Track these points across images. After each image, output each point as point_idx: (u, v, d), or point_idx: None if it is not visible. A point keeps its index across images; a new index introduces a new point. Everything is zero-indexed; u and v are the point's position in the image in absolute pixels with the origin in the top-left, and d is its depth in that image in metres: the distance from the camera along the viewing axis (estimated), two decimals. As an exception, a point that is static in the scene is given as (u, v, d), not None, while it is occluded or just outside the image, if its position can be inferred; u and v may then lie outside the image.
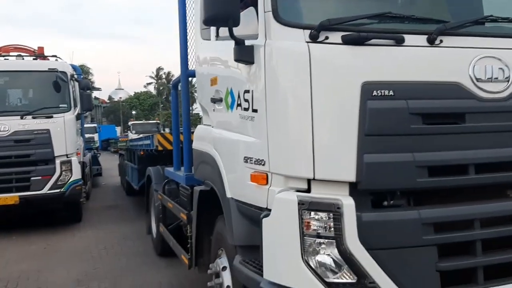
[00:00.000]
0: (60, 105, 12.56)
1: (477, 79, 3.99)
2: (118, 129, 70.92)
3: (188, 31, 6.90)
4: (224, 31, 4.80)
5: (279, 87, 4.04)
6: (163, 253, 9.45)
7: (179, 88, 7.73)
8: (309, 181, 3.90)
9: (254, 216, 4.37)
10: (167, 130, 19.03)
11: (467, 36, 4.12)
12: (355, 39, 3.81)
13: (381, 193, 3.87)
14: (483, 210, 4.00)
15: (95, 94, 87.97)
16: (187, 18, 6.86)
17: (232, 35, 4.19)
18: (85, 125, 24.43)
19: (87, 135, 28.81)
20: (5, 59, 13.82)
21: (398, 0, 4.76)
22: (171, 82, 9.79)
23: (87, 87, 14.46)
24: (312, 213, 3.79)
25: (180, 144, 7.80)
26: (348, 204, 3.71)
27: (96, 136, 44.93)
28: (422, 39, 3.98)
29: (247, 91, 4.49)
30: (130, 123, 60.45)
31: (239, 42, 4.32)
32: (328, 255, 3.77)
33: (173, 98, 8.82)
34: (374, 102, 3.76)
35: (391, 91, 3.79)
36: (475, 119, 4.00)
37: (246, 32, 4.36)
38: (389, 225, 3.76)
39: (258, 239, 4.20)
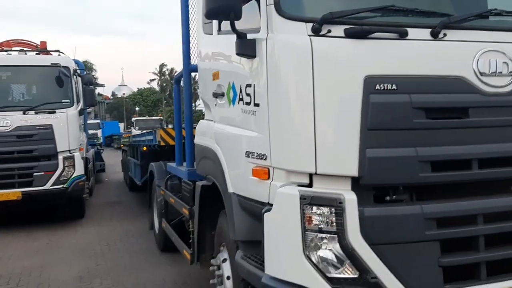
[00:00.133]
0: (63, 100, 12.54)
1: (481, 73, 3.96)
2: (122, 125, 71.06)
3: (190, 25, 6.89)
4: (226, 25, 4.77)
5: (281, 81, 4.02)
6: (165, 249, 9.45)
7: (182, 83, 7.69)
8: (311, 175, 3.87)
9: (256, 211, 4.35)
10: (170, 126, 19.06)
11: (471, 30, 4.08)
12: (358, 33, 3.78)
13: (384, 188, 3.85)
14: (486, 205, 3.98)
15: (98, 90, 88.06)
16: (189, 12, 6.85)
17: (233, 29, 4.17)
18: (89, 121, 24.41)
19: (90, 131, 28.86)
20: (7, 53, 13.78)
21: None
22: (174, 77, 9.76)
23: (90, 82, 14.37)
24: (314, 207, 3.77)
25: (182, 139, 7.81)
26: (350, 199, 3.69)
27: (99, 132, 45.02)
28: (425, 33, 3.95)
29: (249, 85, 4.47)
30: (133, 119, 60.38)
31: (241, 36, 4.30)
32: (330, 250, 3.75)
33: (175, 93, 8.81)
34: (377, 96, 3.73)
35: (394, 85, 3.76)
36: (478, 113, 3.97)
37: (248, 25, 4.35)
38: (391, 220, 3.73)
39: (259, 234, 4.19)
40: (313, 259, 3.77)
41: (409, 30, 3.89)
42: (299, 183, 3.93)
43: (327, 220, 3.74)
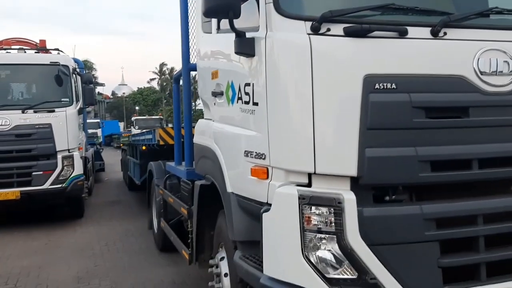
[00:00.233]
0: (62, 99, 12.47)
1: (481, 72, 3.93)
2: (121, 125, 71.07)
3: (189, 24, 6.87)
4: (225, 23, 4.75)
5: (280, 80, 3.99)
6: (164, 248, 9.43)
7: (181, 82, 7.67)
8: (310, 175, 3.85)
9: (255, 211, 4.33)
10: (170, 125, 19.01)
11: (472, 29, 4.05)
12: (358, 31, 3.76)
13: (383, 188, 3.83)
14: (486, 205, 3.95)
15: (98, 89, 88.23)
16: (189, 11, 6.83)
17: (232, 27, 4.15)
18: (88, 121, 24.41)
19: (90, 131, 28.85)
20: (7, 52, 13.74)
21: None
22: (173, 76, 9.75)
23: (89, 81, 14.29)
24: (313, 207, 3.75)
25: (181, 138, 7.78)
26: (349, 199, 3.67)
27: (99, 132, 45.07)
28: (425, 31, 3.92)
29: (247, 84, 4.45)
30: (133, 118, 60.45)
31: (239, 34, 4.28)
32: (329, 250, 3.73)
33: (175, 93, 8.80)
34: (376, 95, 3.70)
35: (393, 84, 3.73)
36: (479, 113, 3.94)
37: (247, 24, 4.33)
38: (390, 221, 3.71)
39: (258, 234, 4.16)
40: (311, 259, 3.75)
41: (409, 28, 3.86)
42: (298, 183, 3.90)
43: (326, 220, 3.72)
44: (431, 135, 3.82)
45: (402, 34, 3.84)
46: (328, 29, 3.79)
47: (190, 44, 6.92)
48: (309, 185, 3.86)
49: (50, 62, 12.49)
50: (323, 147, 3.76)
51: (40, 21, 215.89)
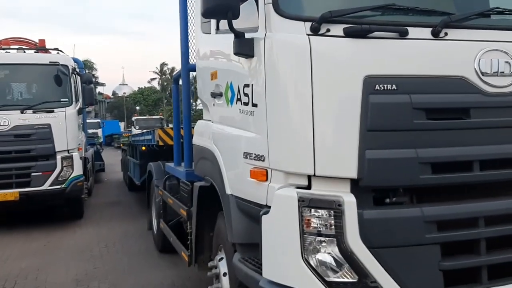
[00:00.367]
0: (62, 99, 12.40)
1: (483, 73, 3.91)
2: (122, 125, 71.10)
3: (189, 24, 6.84)
4: (224, 24, 4.75)
5: (279, 81, 3.96)
6: (163, 249, 9.40)
7: (181, 82, 7.64)
8: (309, 177, 3.82)
9: (254, 213, 4.30)
10: (170, 125, 19.03)
11: (473, 29, 4.03)
12: (358, 32, 3.73)
13: (383, 190, 3.80)
14: (487, 208, 3.93)
15: (99, 89, 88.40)
16: (188, 11, 6.79)
17: (231, 28, 4.12)
18: (89, 120, 24.39)
19: (90, 131, 28.81)
20: (6, 52, 13.69)
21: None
22: (172, 77, 9.73)
23: (89, 81, 14.22)
24: (313, 210, 3.72)
25: (181, 139, 7.75)
26: (349, 201, 3.64)
27: (99, 132, 45.10)
28: (426, 32, 3.90)
29: (247, 85, 4.42)
30: (133, 118, 60.44)
31: (238, 35, 4.25)
32: (329, 253, 3.70)
33: (174, 93, 8.76)
34: (377, 97, 3.68)
35: (394, 85, 3.71)
36: (480, 114, 3.92)
37: (246, 24, 4.31)
38: (391, 223, 3.68)
39: (257, 236, 4.14)
40: (311, 262, 3.72)
41: (410, 29, 3.84)
42: (297, 185, 3.87)
43: (325, 223, 3.69)
44: (431, 136, 3.79)
45: (403, 35, 3.82)
46: (328, 30, 3.76)
47: (189, 44, 6.89)
48: (308, 187, 3.83)
49: (50, 62, 12.42)
50: (323, 149, 3.73)
51: (40, 20, 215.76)
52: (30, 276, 8.47)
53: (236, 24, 4.12)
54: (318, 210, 3.70)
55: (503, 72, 3.94)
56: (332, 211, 3.65)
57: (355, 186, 3.71)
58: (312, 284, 3.71)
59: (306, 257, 3.72)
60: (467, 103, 3.90)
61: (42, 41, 14.80)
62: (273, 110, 4.00)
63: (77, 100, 13.11)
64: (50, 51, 14.18)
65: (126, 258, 9.38)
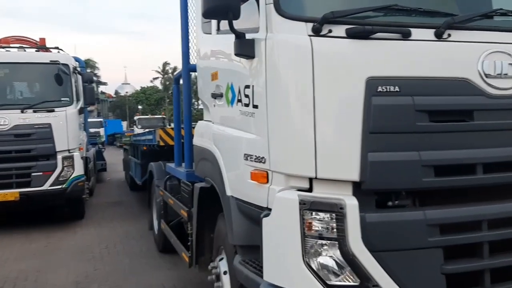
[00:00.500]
0: (62, 99, 12.32)
1: (486, 75, 3.87)
2: (124, 124, 71.14)
3: (189, 24, 6.81)
4: (225, 24, 4.70)
5: (280, 82, 3.92)
6: (164, 250, 9.38)
7: (181, 82, 7.61)
8: (311, 180, 3.79)
9: (254, 215, 4.27)
10: (172, 125, 19.01)
11: (476, 30, 3.99)
12: (360, 33, 3.69)
13: (386, 193, 3.76)
14: (491, 211, 3.89)
15: (101, 88, 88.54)
16: (189, 11, 6.77)
17: (232, 28, 4.09)
18: (91, 120, 24.36)
19: (93, 130, 28.77)
20: (6, 50, 13.64)
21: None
22: (173, 77, 9.71)
23: (90, 80, 14.09)
24: (314, 213, 3.68)
25: (181, 139, 7.71)
26: (351, 204, 3.60)
27: (102, 131, 45.20)
28: (429, 33, 3.86)
29: (247, 86, 4.38)
30: (136, 117, 60.49)
31: (239, 36, 4.21)
32: (330, 257, 3.66)
33: (175, 93, 8.72)
34: (379, 99, 3.64)
35: (396, 87, 3.67)
36: (483, 116, 3.88)
37: (246, 25, 4.27)
38: (393, 226, 3.65)
39: (258, 239, 4.10)
40: (313, 266, 3.68)
41: (412, 30, 3.79)
42: (298, 188, 3.84)
43: (327, 226, 3.65)
44: (434, 139, 3.76)
45: (405, 36, 3.78)
46: (330, 31, 3.73)
47: (190, 44, 6.87)
48: (310, 190, 3.80)
49: (50, 61, 12.35)
50: (324, 151, 3.69)
51: (41, 20, 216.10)
52: (29, 278, 8.41)
53: (237, 24, 4.09)
54: (320, 213, 3.66)
55: (506, 74, 3.90)
56: (333, 214, 3.62)
57: (357, 189, 3.68)
58: (313, 287, 3.67)
59: (307, 260, 3.69)
60: (470, 105, 3.86)
61: (43, 40, 14.70)
62: (274, 111, 3.97)
63: (78, 100, 13.02)
64: (51, 50, 14.09)
65: (127, 259, 9.33)
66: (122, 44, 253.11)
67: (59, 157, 11.93)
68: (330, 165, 3.70)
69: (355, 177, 3.64)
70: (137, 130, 40.92)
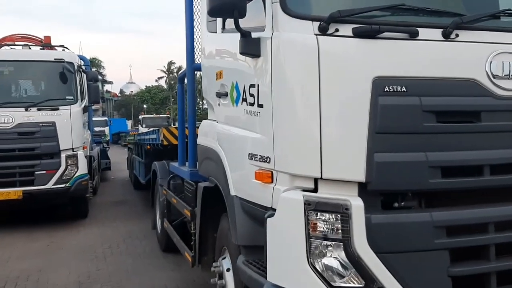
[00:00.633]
0: (67, 97, 12.27)
1: (494, 76, 3.84)
2: (129, 123, 71.25)
3: (194, 23, 6.81)
4: (230, 23, 4.72)
5: (286, 82, 3.89)
6: (167, 249, 9.35)
7: (186, 81, 7.59)
8: (316, 180, 3.76)
9: (259, 215, 4.25)
10: (176, 124, 18.96)
11: (484, 31, 3.96)
12: (367, 32, 3.66)
13: (392, 194, 3.74)
14: (497, 213, 3.86)
15: (106, 87, 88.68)
16: (194, 10, 6.76)
17: (237, 27, 4.07)
18: (96, 118, 24.35)
19: (98, 129, 28.75)
20: (11, 48, 13.61)
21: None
22: (177, 76, 9.68)
23: (95, 78, 14.07)
24: (319, 214, 3.65)
25: (185, 138, 7.71)
26: (356, 205, 3.57)
27: (107, 130, 45.30)
28: (437, 33, 3.83)
29: (252, 86, 4.36)
30: (140, 116, 60.69)
31: (245, 34, 4.19)
32: (335, 258, 3.63)
33: (179, 92, 8.68)
34: (386, 98, 3.61)
35: (403, 87, 3.64)
36: (491, 117, 3.85)
37: (252, 24, 4.25)
38: (399, 228, 3.61)
39: (262, 239, 4.08)
40: (317, 267, 3.65)
41: (420, 30, 3.76)
42: (303, 188, 3.81)
43: (332, 227, 3.62)
44: (441, 140, 3.73)
45: (413, 36, 3.75)
46: (337, 30, 3.70)
47: (195, 43, 6.86)
48: (315, 190, 3.77)
49: (55, 59, 12.28)
50: (330, 151, 3.66)
51: (47, 19, 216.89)
52: (31, 278, 8.34)
53: (243, 23, 4.07)
54: (325, 214, 3.63)
55: None
56: (339, 215, 3.59)
57: (363, 189, 3.65)
58: None
59: (312, 261, 3.66)
60: (477, 106, 3.83)
61: (48, 38, 14.67)
62: (279, 111, 3.94)
63: (82, 98, 13.01)
64: (56, 48, 14.07)
65: (130, 260, 9.27)
66: (127, 43, 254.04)
67: (63, 155, 11.87)
68: (336, 165, 3.67)
69: (361, 177, 3.61)
70: (142, 129, 41.03)
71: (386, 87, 3.61)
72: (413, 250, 3.62)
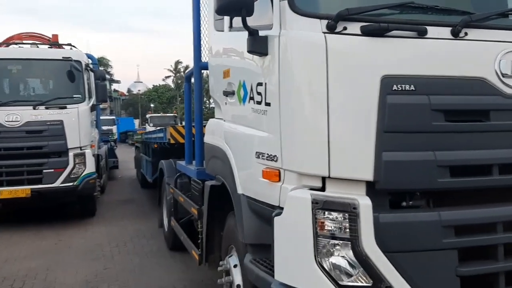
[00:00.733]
0: (74, 96, 12.26)
1: (503, 75, 3.82)
2: (136, 122, 71.37)
3: (201, 22, 6.81)
4: (237, 21, 4.70)
5: (293, 80, 3.88)
6: (174, 247, 9.37)
7: (193, 80, 7.59)
8: (323, 179, 3.75)
9: (266, 214, 4.24)
10: (183, 123, 18.90)
11: (493, 29, 3.93)
12: (375, 30, 3.65)
13: (400, 193, 3.72)
14: (506, 213, 3.82)
15: (114, 86, 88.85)
16: (201, 9, 6.75)
17: (245, 25, 4.06)
18: (104, 117, 24.35)
19: (105, 127, 28.77)
20: (19, 47, 13.61)
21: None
22: (184, 75, 9.69)
23: (102, 77, 14.07)
24: (327, 213, 3.64)
25: (192, 137, 7.72)
26: (364, 204, 3.55)
27: (114, 128, 45.41)
28: (446, 31, 3.81)
29: (260, 84, 4.34)
30: (148, 115, 60.77)
31: (252, 33, 4.18)
32: (343, 257, 3.62)
33: (186, 91, 8.68)
34: (394, 97, 3.60)
35: (412, 85, 3.62)
36: (500, 116, 3.82)
37: (260, 22, 4.24)
38: (407, 227, 3.59)
39: (269, 237, 4.07)
40: (325, 266, 3.64)
41: (429, 28, 3.75)
42: (311, 187, 3.80)
43: (340, 226, 3.61)
44: (450, 139, 3.71)
45: (421, 34, 3.73)
46: (345, 28, 3.68)
47: (202, 42, 6.87)
48: (322, 189, 3.75)
49: (62, 57, 12.27)
50: (338, 150, 3.65)
51: (55, 18, 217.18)
52: (39, 276, 8.33)
53: (250, 21, 4.06)
54: (332, 213, 3.62)
55: None
56: (346, 214, 3.57)
57: (371, 188, 3.63)
58: (325, 287, 3.62)
59: (319, 260, 3.65)
60: (487, 105, 3.81)
61: (56, 36, 14.71)
62: (287, 109, 3.93)
63: (90, 97, 13.00)
64: (64, 46, 14.08)
65: (137, 259, 9.24)
66: (135, 43, 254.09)
67: (71, 154, 11.87)
68: (344, 164, 3.66)
69: (369, 176, 3.59)
70: (149, 128, 41.06)
71: (395, 85, 3.59)
72: (421, 250, 3.60)
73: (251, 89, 4.53)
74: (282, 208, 3.94)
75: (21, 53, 12.93)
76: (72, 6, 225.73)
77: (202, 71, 7.08)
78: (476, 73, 3.80)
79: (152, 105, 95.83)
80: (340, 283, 3.61)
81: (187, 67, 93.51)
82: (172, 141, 10.30)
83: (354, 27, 3.67)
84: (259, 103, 4.36)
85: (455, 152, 3.70)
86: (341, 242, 3.61)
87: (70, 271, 8.61)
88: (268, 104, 4.19)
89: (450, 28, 3.80)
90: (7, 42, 14.42)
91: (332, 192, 3.70)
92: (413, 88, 3.62)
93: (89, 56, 14.73)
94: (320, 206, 3.63)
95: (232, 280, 5.25)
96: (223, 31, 5.52)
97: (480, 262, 3.77)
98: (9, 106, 11.69)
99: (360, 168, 3.61)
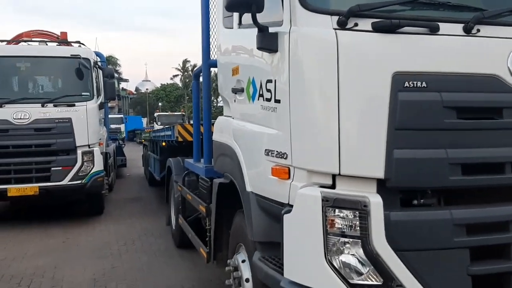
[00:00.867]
0: (83, 93, 12.28)
1: None
2: (144, 120, 71.55)
3: (210, 19, 6.79)
4: (246, 18, 4.67)
5: (304, 77, 3.85)
6: (182, 245, 9.37)
7: (201, 78, 7.56)
8: (334, 176, 3.72)
9: (275, 211, 4.21)
10: (191, 122, 18.90)
11: (506, 26, 3.89)
12: (387, 27, 3.61)
13: (411, 191, 3.68)
14: None
15: (122, 85, 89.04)
16: (210, 6, 6.74)
17: (255, 22, 4.03)
18: (112, 116, 24.38)
19: (114, 126, 28.81)
20: (28, 44, 13.63)
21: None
22: (192, 72, 9.68)
23: (111, 75, 14.06)
24: (337, 210, 3.61)
25: (200, 135, 7.71)
26: (375, 202, 3.52)
27: (122, 127, 45.58)
28: (458, 28, 3.77)
29: (269, 81, 4.31)
30: (156, 114, 60.95)
31: (262, 29, 4.16)
32: (353, 255, 3.60)
33: (194, 89, 8.69)
34: (406, 94, 3.56)
35: (424, 82, 3.59)
36: None
37: (270, 18, 4.21)
38: (418, 226, 3.56)
39: (278, 235, 4.05)
40: (335, 264, 3.62)
41: (441, 24, 3.71)
42: (321, 184, 3.77)
43: (350, 223, 3.58)
44: (462, 136, 3.67)
45: (433, 31, 3.69)
46: (356, 24, 3.65)
47: (210, 39, 6.84)
48: (333, 186, 3.72)
49: (71, 55, 12.27)
50: (348, 148, 3.62)
51: (64, 17, 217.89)
52: (46, 275, 8.30)
53: (260, 18, 4.03)
54: (343, 211, 3.59)
55: None
56: (357, 212, 3.55)
57: (382, 186, 3.60)
58: (335, 286, 3.61)
59: (329, 258, 3.62)
60: (499, 103, 3.78)
61: (64, 34, 14.68)
62: (297, 106, 3.90)
63: (98, 94, 13.02)
64: (72, 44, 14.08)
65: (145, 257, 9.21)
66: (143, 41, 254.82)
67: (79, 152, 11.88)
68: (354, 161, 3.63)
69: (380, 174, 3.56)
70: (157, 126, 41.14)
71: (406, 82, 3.56)
72: (432, 248, 3.57)
73: (261, 86, 4.50)
74: (291, 206, 3.91)
75: (29, 51, 12.94)
76: (81, 4, 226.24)
77: (211, 69, 7.05)
78: (488, 70, 3.76)
79: (160, 104, 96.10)
80: (350, 281, 3.59)
81: (195, 65, 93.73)
82: (180, 139, 10.30)
83: (365, 23, 3.64)
84: (268, 100, 4.33)
85: (467, 149, 3.67)
86: (351, 240, 3.58)
87: (78, 269, 8.59)
88: (277, 101, 4.16)
89: (462, 25, 3.76)
90: (16, 40, 14.43)
91: (343, 189, 3.67)
92: (425, 85, 3.58)
93: (98, 54, 14.74)
94: (330, 203, 3.60)
95: (241, 275, 5.20)
96: (232, 28, 5.49)
97: (492, 261, 3.73)
98: (18, 104, 11.71)
99: (371, 166, 3.58)
